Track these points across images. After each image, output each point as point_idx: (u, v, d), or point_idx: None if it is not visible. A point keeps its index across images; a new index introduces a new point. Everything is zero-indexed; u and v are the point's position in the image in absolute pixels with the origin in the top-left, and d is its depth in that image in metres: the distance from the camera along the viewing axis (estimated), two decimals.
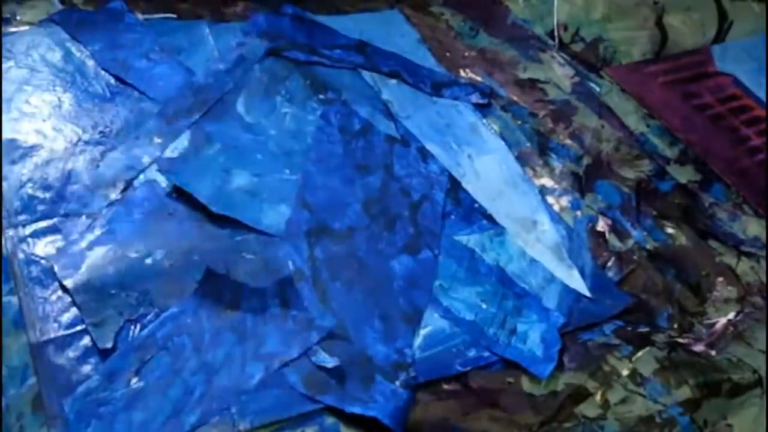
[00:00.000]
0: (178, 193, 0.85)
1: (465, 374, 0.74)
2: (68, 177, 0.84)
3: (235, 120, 0.96)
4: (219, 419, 0.67)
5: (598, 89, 1.18)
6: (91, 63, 0.99)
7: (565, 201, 0.97)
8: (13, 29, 1.02)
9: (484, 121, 1.08)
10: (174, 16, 1.11)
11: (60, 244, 0.77)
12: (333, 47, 1.13)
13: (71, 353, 0.68)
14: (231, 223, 0.83)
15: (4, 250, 0.76)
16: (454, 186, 0.95)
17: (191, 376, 0.69)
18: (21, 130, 0.88)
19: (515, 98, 1.13)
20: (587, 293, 0.84)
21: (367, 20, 1.23)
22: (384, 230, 0.87)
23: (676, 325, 0.84)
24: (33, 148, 0.86)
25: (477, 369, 0.75)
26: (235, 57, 1.06)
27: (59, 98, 0.93)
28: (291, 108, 1.00)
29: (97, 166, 0.86)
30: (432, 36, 1.24)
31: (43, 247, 0.77)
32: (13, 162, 0.84)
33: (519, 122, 1.09)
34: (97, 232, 0.79)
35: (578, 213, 0.95)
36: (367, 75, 1.09)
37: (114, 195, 0.83)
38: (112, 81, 0.97)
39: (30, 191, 0.81)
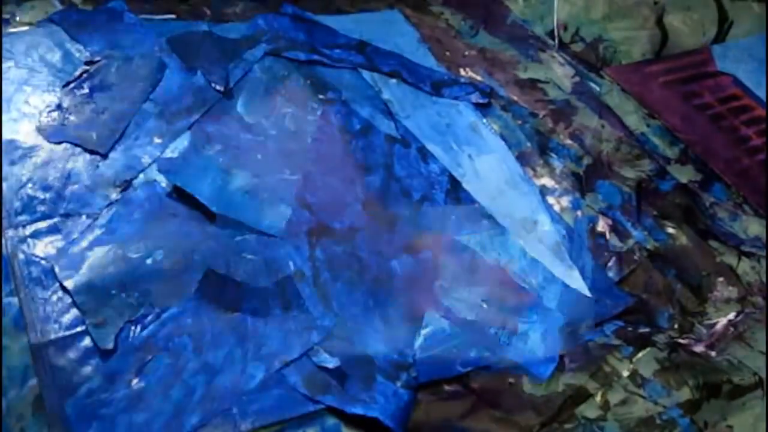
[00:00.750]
0: (179, 193, 0.84)
1: (466, 374, 0.74)
2: (68, 177, 0.84)
3: (235, 120, 0.96)
4: (220, 420, 0.66)
5: (598, 89, 1.18)
6: (90, 63, 0.99)
7: (565, 201, 0.97)
8: (12, 29, 1.02)
9: (485, 120, 1.08)
10: (174, 16, 1.11)
11: (60, 244, 0.77)
12: (333, 47, 1.13)
13: (72, 354, 0.68)
14: (231, 224, 0.82)
15: (4, 251, 0.76)
16: (454, 186, 0.95)
17: (192, 377, 0.69)
18: (21, 131, 0.88)
19: (515, 98, 1.13)
20: (588, 293, 0.84)
21: (367, 20, 1.23)
22: (384, 230, 0.86)
23: (676, 326, 0.84)
24: (33, 149, 0.86)
25: (478, 369, 0.75)
26: (235, 57, 1.06)
27: (59, 99, 0.93)
28: (291, 108, 1.00)
29: (97, 167, 0.86)
30: (432, 36, 1.24)
31: (44, 248, 0.76)
32: (13, 162, 0.84)
33: (519, 122, 1.09)
34: (98, 232, 0.79)
35: (579, 213, 0.95)
36: (367, 75, 1.09)
37: (114, 195, 0.83)
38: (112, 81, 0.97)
39: (30, 191, 0.81)
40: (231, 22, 1.13)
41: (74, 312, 0.71)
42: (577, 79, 1.19)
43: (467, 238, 0.88)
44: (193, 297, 0.74)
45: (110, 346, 0.69)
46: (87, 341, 0.69)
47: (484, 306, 0.81)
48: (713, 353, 0.81)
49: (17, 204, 0.80)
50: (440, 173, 0.97)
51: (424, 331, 0.78)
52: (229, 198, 0.85)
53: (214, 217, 0.82)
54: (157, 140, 0.91)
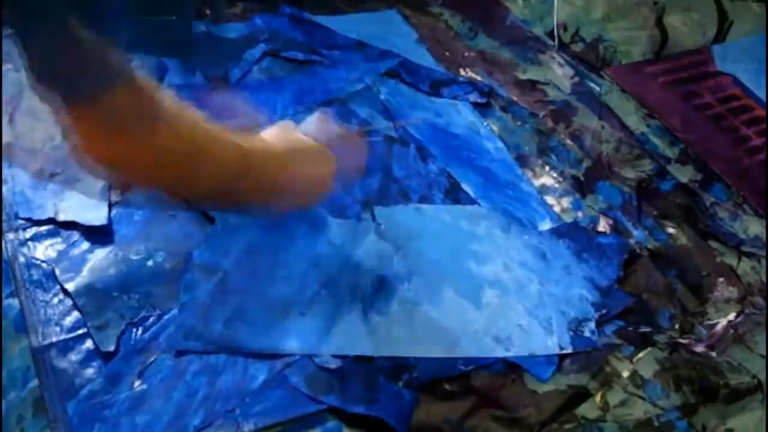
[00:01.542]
0: None
1: (467, 374, 0.74)
2: (68, 180, 0.84)
3: None
4: (223, 421, 0.66)
5: (598, 89, 1.18)
6: None
7: (566, 202, 0.97)
8: (12, 30, 1.02)
9: (484, 121, 1.08)
10: (174, 17, 1.11)
11: (61, 247, 0.77)
12: (331, 47, 1.13)
13: (73, 357, 0.68)
14: (231, 225, 0.82)
15: (4, 254, 0.76)
16: (454, 186, 0.95)
17: (194, 378, 0.69)
18: (20, 133, 0.88)
19: (515, 98, 1.13)
20: (587, 294, 0.84)
21: (366, 20, 1.23)
22: None
23: (677, 326, 0.84)
24: (32, 151, 0.86)
25: (478, 369, 0.75)
26: (234, 57, 1.06)
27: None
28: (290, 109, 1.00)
29: None
30: (431, 36, 1.24)
31: (44, 251, 0.76)
32: (12, 165, 0.84)
33: (519, 123, 1.09)
34: (98, 234, 0.79)
35: (579, 214, 0.96)
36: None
37: (114, 197, 0.83)
38: None
39: (30, 194, 0.81)
40: (230, 23, 1.13)
41: (75, 314, 0.71)
42: (576, 79, 1.19)
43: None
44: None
45: (112, 348, 0.69)
46: (89, 343, 0.69)
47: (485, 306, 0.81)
48: (714, 354, 0.81)
49: (17, 207, 0.80)
50: (439, 173, 0.97)
51: None
52: None
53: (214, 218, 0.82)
54: None
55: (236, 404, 0.68)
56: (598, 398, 0.75)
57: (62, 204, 0.80)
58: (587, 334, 0.79)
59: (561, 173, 1.01)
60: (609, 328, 0.82)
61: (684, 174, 1.05)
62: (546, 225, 0.92)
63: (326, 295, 0.77)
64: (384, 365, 0.73)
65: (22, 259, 0.75)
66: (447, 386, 0.73)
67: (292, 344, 0.72)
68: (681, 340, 0.82)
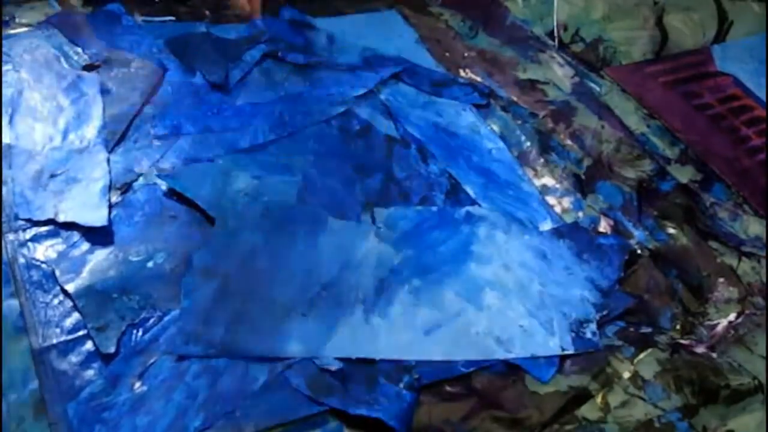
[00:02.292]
0: (178, 195, 0.84)
1: (468, 376, 0.74)
2: (68, 181, 0.84)
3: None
4: (223, 423, 0.66)
5: (598, 89, 1.18)
6: (88, 66, 0.99)
7: (566, 202, 0.97)
8: (11, 31, 1.02)
9: (484, 121, 1.08)
10: (173, 18, 1.11)
11: (61, 248, 0.77)
12: (331, 49, 1.13)
13: (74, 358, 0.68)
14: (231, 226, 0.82)
15: (4, 255, 0.75)
16: (454, 187, 0.95)
17: (195, 380, 0.68)
18: (20, 134, 0.88)
19: (515, 98, 1.13)
20: (588, 294, 0.84)
21: (366, 21, 1.23)
22: None
23: (678, 326, 0.84)
24: (32, 152, 0.86)
25: (479, 370, 0.75)
26: (234, 58, 1.05)
27: (58, 101, 0.93)
28: None
29: None
30: (431, 36, 1.23)
31: (44, 252, 0.76)
32: (12, 166, 0.84)
33: (519, 122, 1.09)
34: (98, 235, 0.79)
35: (580, 214, 0.95)
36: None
37: (114, 198, 0.83)
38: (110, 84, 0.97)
39: (30, 195, 0.81)
40: (230, 24, 1.13)
41: (76, 316, 0.71)
42: (576, 79, 1.19)
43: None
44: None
45: (112, 349, 0.69)
46: (89, 345, 0.69)
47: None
48: (714, 355, 0.81)
49: (17, 208, 0.80)
50: (440, 174, 0.96)
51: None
52: (229, 201, 0.85)
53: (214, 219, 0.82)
54: (156, 143, 0.90)
55: (237, 406, 0.68)
56: (599, 399, 0.75)
57: (62, 205, 0.80)
58: (588, 335, 0.79)
59: (561, 173, 1.01)
60: (610, 329, 0.82)
61: (684, 174, 1.05)
62: (547, 225, 0.92)
63: (327, 296, 0.77)
64: (385, 367, 0.73)
65: (22, 260, 0.75)
66: (448, 388, 0.73)
67: (294, 347, 0.72)
68: (682, 341, 0.82)
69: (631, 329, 0.82)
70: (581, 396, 0.74)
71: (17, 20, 1.04)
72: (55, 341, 0.69)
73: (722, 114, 1.17)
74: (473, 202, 0.93)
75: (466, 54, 1.21)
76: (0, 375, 0.66)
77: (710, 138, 1.12)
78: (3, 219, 0.79)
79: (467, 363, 0.75)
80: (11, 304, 0.72)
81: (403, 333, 0.76)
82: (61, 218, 0.79)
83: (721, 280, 0.90)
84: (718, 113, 1.17)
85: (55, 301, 0.72)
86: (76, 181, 0.83)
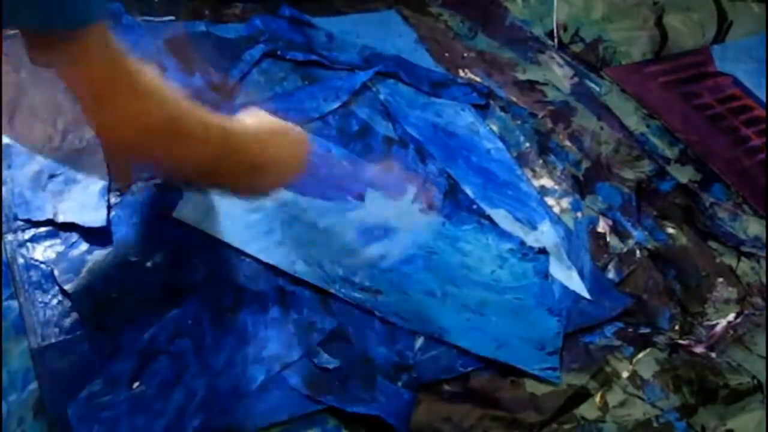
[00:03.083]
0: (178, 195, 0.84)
1: (466, 375, 0.74)
2: (67, 180, 0.84)
3: None
4: (222, 422, 0.66)
5: (597, 90, 1.18)
6: None
7: (565, 202, 0.97)
8: (11, 31, 1.02)
9: (483, 121, 1.08)
10: (173, 18, 1.11)
11: (60, 248, 0.77)
12: (330, 48, 1.13)
13: (73, 358, 0.68)
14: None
15: (3, 255, 0.76)
16: (453, 187, 0.95)
17: (193, 380, 0.69)
18: (19, 134, 0.88)
19: (514, 99, 1.13)
20: (586, 295, 0.84)
21: (365, 21, 1.23)
22: None
23: (677, 327, 0.84)
24: (31, 152, 0.86)
25: (478, 369, 0.75)
26: (234, 58, 1.06)
27: (58, 102, 0.93)
28: None
29: None
30: (430, 36, 1.24)
31: (43, 252, 0.76)
32: (11, 166, 0.84)
33: (518, 123, 1.09)
34: (97, 236, 0.79)
35: (579, 214, 0.96)
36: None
37: (113, 199, 0.83)
38: None
39: (29, 196, 0.81)
40: (230, 24, 1.13)
41: (74, 316, 0.71)
42: (576, 80, 1.19)
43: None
44: (193, 300, 0.74)
45: (111, 350, 0.69)
46: (88, 345, 0.69)
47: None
48: (713, 354, 0.81)
49: (16, 208, 0.80)
50: (438, 174, 0.97)
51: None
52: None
53: None
54: None
55: (235, 405, 0.68)
56: (597, 399, 0.75)
57: (61, 205, 0.80)
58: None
59: (560, 174, 1.01)
60: (609, 329, 0.82)
61: (684, 174, 1.05)
62: (545, 226, 0.92)
63: None
64: (383, 365, 0.73)
65: (21, 261, 0.75)
66: (447, 386, 0.73)
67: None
68: (681, 341, 0.82)
69: (630, 329, 0.82)
70: (580, 395, 0.74)
71: None
72: (54, 341, 0.69)
73: (722, 114, 1.17)
74: (472, 202, 0.93)
75: (465, 54, 1.21)
76: (0, 376, 0.66)
77: (710, 138, 1.12)
78: (2, 219, 0.79)
79: (465, 362, 0.75)
80: (11, 304, 0.72)
81: (401, 330, 0.76)
82: (60, 219, 0.79)
83: (721, 280, 0.90)
84: (718, 113, 1.17)
85: (54, 301, 0.72)
86: (75, 182, 0.83)
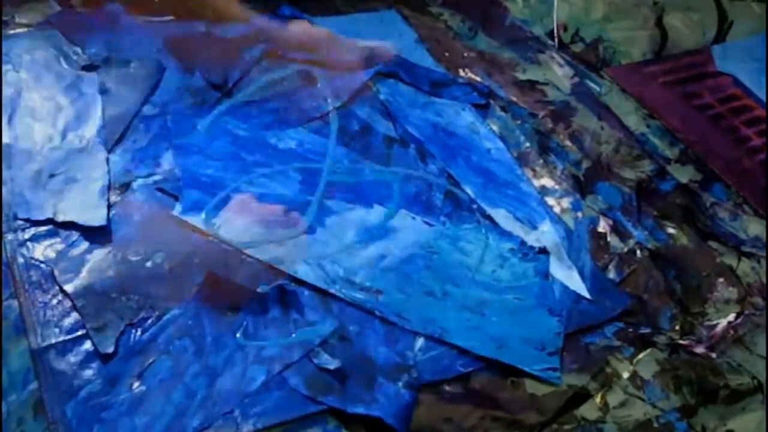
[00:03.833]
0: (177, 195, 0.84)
1: (467, 375, 0.74)
2: (67, 179, 0.84)
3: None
4: (222, 422, 0.66)
5: (598, 90, 1.18)
6: (88, 66, 0.99)
7: (566, 202, 0.97)
8: (10, 31, 1.02)
9: (484, 121, 1.08)
10: (172, 18, 1.11)
11: (60, 247, 0.77)
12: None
13: (72, 358, 0.68)
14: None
15: (3, 255, 0.76)
16: (453, 187, 0.95)
17: (193, 380, 0.69)
18: (19, 134, 0.88)
19: (515, 99, 1.13)
20: (587, 295, 0.84)
21: (365, 20, 1.23)
22: None
23: (677, 327, 0.84)
24: (31, 152, 0.86)
25: (478, 370, 0.75)
26: (234, 58, 1.05)
27: (57, 101, 0.93)
28: None
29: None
30: (430, 36, 1.23)
31: (43, 251, 0.76)
32: (11, 166, 0.84)
33: (519, 122, 1.09)
34: (97, 235, 0.79)
35: (579, 214, 0.95)
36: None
37: (113, 198, 0.83)
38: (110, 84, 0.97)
39: (29, 195, 0.81)
40: (229, 23, 1.13)
41: (74, 316, 0.71)
42: (576, 80, 1.19)
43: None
44: (193, 300, 0.74)
45: (111, 350, 0.69)
46: (87, 345, 0.69)
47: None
48: (713, 355, 0.81)
49: (16, 207, 0.80)
50: (439, 174, 0.96)
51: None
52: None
53: None
54: (155, 143, 0.90)
55: (235, 405, 0.68)
56: (598, 399, 0.75)
57: (61, 204, 0.80)
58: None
59: (561, 173, 1.01)
60: (609, 330, 0.82)
61: (684, 174, 1.05)
62: (546, 226, 0.92)
63: None
64: (384, 366, 0.73)
65: (21, 260, 0.75)
66: (447, 387, 0.73)
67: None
68: (681, 342, 0.82)
69: (630, 330, 0.82)
70: (580, 396, 0.74)
71: (16, 20, 1.04)
72: (53, 341, 0.69)
73: (722, 114, 1.17)
74: (472, 202, 0.93)
75: (465, 54, 1.21)
76: (0, 376, 0.66)
77: (710, 138, 1.12)
78: (2, 219, 0.79)
79: (465, 362, 0.75)
80: (11, 304, 0.72)
81: (401, 330, 0.76)
82: (60, 218, 0.79)
83: (721, 280, 0.90)
84: (718, 113, 1.17)
85: (54, 301, 0.72)
86: (75, 181, 0.83)
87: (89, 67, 0.99)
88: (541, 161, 1.03)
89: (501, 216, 0.92)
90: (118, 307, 0.72)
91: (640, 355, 0.79)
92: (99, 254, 0.77)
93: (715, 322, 0.85)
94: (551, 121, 1.10)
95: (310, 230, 0.84)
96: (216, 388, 0.68)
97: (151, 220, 0.81)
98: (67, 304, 0.72)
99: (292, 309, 0.76)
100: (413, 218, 0.88)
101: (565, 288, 0.85)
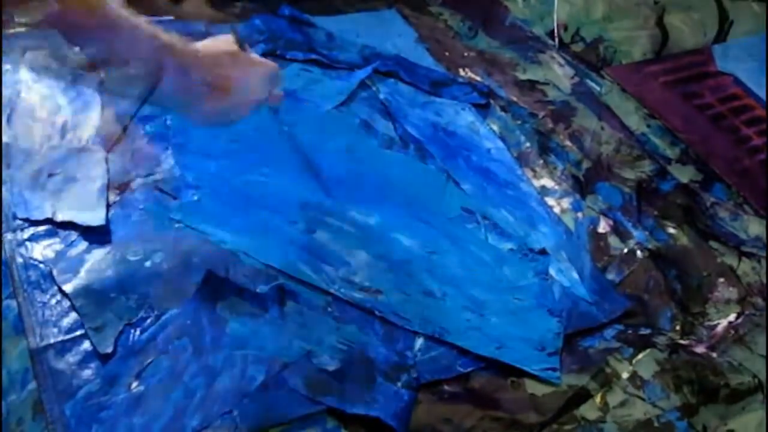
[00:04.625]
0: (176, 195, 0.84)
1: (466, 375, 0.74)
2: (66, 179, 0.84)
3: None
4: (221, 422, 0.66)
5: (598, 89, 1.18)
6: (87, 65, 0.99)
7: (566, 203, 0.97)
8: (10, 31, 1.02)
9: (484, 121, 1.07)
10: (172, 18, 1.11)
11: (58, 247, 0.77)
12: (330, 47, 1.13)
13: (71, 358, 0.68)
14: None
15: (2, 254, 0.75)
16: (454, 186, 0.95)
17: (192, 380, 0.68)
18: (18, 134, 0.87)
19: (515, 99, 1.13)
20: (586, 296, 0.84)
21: (365, 20, 1.23)
22: None
23: (678, 327, 0.84)
24: (30, 151, 0.86)
25: (478, 370, 0.75)
26: None
27: (56, 101, 0.93)
28: None
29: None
30: (430, 36, 1.23)
31: (42, 251, 0.76)
32: (10, 165, 0.84)
33: (519, 122, 1.08)
34: (96, 235, 0.78)
35: (579, 215, 0.95)
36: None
37: (112, 197, 0.83)
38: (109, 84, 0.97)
39: (28, 195, 0.81)
40: (229, 23, 1.13)
41: (73, 315, 0.71)
42: (576, 79, 1.19)
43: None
44: (192, 300, 0.74)
45: (110, 349, 0.69)
46: (86, 345, 0.69)
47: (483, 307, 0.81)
48: (714, 354, 0.81)
49: (15, 207, 0.80)
50: (437, 174, 0.96)
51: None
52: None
53: None
54: (155, 142, 0.90)
55: (234, 405, 0.67)
56: (598, 399, 0.75)
57: (60, 204, 0.80)
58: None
59: (561, 174, 1.01)
60: (609, 332, 0.81)
61: (684, 174, 1.05)
62: (545, 226, 0.92)
63: None
64: (383, 366, 0.73)
65: (20, 260, 0.75)
66: (447, 387, 0.73)
67: None
68: (681, 341, 0.82)
69: (630, 332, 0.82)
70: (580, 396, 0.74)
71: (16, 20, 1.04)
72: (52, 341, 0.69)
73: (723, 114, 1.17)
74: (472, 202, 0.93)
75: (465, 54, 1.21)
76: (0, 375, 0.66)
77: (710, 138, 1.12)
78: (1, 218, 0.78)
79: (465, 362, 0.75)
80: (10, 304, 0.71)
81: (401, 330, 0.76)
82: (59, 217, 0.79)
83: (721, 280, 0.90)
84: (719, 113, 1.17)
85: (53, 301, 0.72)
86: (74, 181, 0.83)
87: (88, 67, 0.98)
88: (541, 161, 1.03)
89: (501, 216, 0.92)
90: (116, 307, 0.72)
91: (640, 356, 0.79)
92: (98, 254, 0.77)
93: (715, 322, 0.85)
94: (551, 121, 1.10)
95: (310, 230, 0.84)
96: (215, 387, 0.68)
97: (150, 220, 0.81)
98: (66, 303, 0.72)
99: (292, 309, 0.76)
100: (413, 218, 0.88)
101: (565, 289, 0.84)
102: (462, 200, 0.93)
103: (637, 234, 0.94)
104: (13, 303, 0.71)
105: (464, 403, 0.72)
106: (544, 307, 0.81)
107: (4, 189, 0.81)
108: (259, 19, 1.14)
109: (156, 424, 0.65)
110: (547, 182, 0.99)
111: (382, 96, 1.07)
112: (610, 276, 0.88)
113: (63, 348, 0.69)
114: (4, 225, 0.78)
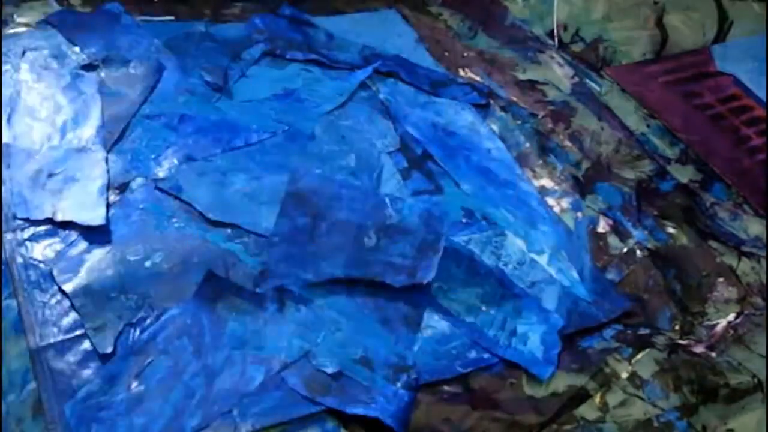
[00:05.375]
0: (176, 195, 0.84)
1: (466, 376, 0.74)
2: (66, 179, 0.84)
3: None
4: (220, 422, 0.66)
5: (598, 89, 1.18)
6: (87, 65, 0.99)
7: (565, 203, 0.97)
8: (10, 31, 1.02)
9: (484, 121, 1.08)
10: (172, 18, 1.11)
11: (59, 247, 0.77)
12: (330, 47, 1.13)
13: (71, 358, 0.68)
14: (230, 225, 0.82)
15: (2, 254, 0.75)
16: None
17: (192, 379, 0.68)
18: (18, 134, 0.88)
19: (514, 99, 1.13)
20: (586, 296, 0.84)
21: (365, 20, 1.23)
22: None
23: (677, 327, 0.84)
24: (30, 151, 0.86)
25: (478, 370, 0.75)
26: (233, 57, 1.05)
27: (56, 101, 0.93)
28: None
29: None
30: (430, 36, 1.23)
31: (42, 251, 0.76)
32: (10, 165, 0.84)
33: (518, 122, 1.09)
34: (96, 235, 0.79)
35: (579, 214, 0.95)
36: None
37: (112, 197, 0.83)
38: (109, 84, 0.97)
39: (28, 195, 0.81)
40: (229, 23, 1.13)
41: (73, 315, 0.71)
42: (576, 79, 1.19)
43: (466, 239, 0.88)
44: (192, 299, 0.74)
45: (109, 349, 0.69)
46: (86, 344, 0.69)
47: (483, 307, 0.81)
48: (713, 354, 0.81)
49: (15, 207, 0.80)
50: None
51: (423, 333, 0.77)
52: (226, 202, 0.85)
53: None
54: (154, 142, 0.90)
55: (234, 405, 0.68)
56: (597, 399, 0.75)
57: (60, 204, 0.80)
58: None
59: (561, 174, 1.01)
60: (608, 333, 0.82)
61: (684, 174, 1.05)
62: (545, 226, 0.92)
63: None
64: (382, 367, 0.73)
65: (20, 260, 0.75)
66: (446, 387, 0.73)
67: None
68: (681, 341, 0.82)
69: (629, 332, 0.82)
70: (579, 396, 0.74)
71: (16, 20, 1.04)
72: (52, 341, 0.69)
73: (722, 114, 1.17)
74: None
75: (465, 54, 1.21)
76: (0, 375, 0.66)
77: (710, 138, 1.12)
78: (1, 218, 0.79)
79: (464, 363, 0.75)
80: (10, 304, 0.72)
81: (401, 331, 0.76)
82: (59, 217, 0.79)
83: (721, 280, 0.90)
84: (719, 113, 1.17)
85: (53, 301, 0.72)
86: (74, 181, 0.83)
87: (88, 67, 0.99)
88: (541, 161, 1.03)
89: (501, 216, 0.92)
90: (116, 307, 0.72)
91: (639, 356, 0.79)
92: (98, 254, 0.77)
93: (715, 322, 0.85)
94: (551, 121, 1.10)
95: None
96: (215, 387, 0.68)
97: (150, 220, 0.81)
98: (66, 303, 0.72)
99: (291, 309, 0.76)
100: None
101: (565, 289, 0.85)
102: (461, 200, 0.93)
103: (636, 234, 0.94)
104: (13, 303, 0.72)
105: (464, 403, 0.72)
106: (543, 307, 0.81)
107: (3, 189, 0.81)
108: (259, 19, 1.14)
109: (156, 424, 0.65)
110: (546, 182, 0.99)
111: (382, 96, 1.07)
112: (610, 276, 0.88)
113: (63, 348, 0.69)
114: (4, 225, 0.78)
